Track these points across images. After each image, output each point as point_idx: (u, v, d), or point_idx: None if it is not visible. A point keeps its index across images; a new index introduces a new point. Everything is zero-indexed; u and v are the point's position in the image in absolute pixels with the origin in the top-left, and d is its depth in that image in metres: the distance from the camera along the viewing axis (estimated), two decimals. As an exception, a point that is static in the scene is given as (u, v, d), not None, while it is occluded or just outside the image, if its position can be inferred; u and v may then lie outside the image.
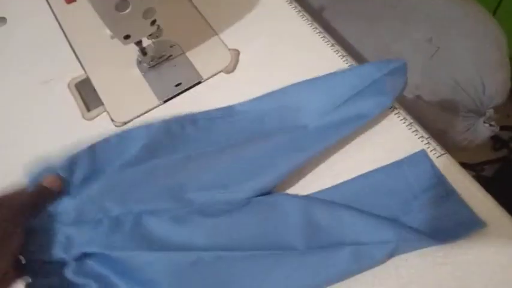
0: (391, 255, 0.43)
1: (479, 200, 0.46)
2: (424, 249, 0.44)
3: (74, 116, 0.56)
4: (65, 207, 0.45)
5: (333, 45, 0.59)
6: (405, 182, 0.47)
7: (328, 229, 0.44)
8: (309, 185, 0.49)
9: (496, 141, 1.25)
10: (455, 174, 0.48)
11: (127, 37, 0.50)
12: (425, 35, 0.80)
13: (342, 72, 0.52)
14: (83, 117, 0.56)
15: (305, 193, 0.48)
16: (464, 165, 1.24)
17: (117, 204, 0.45)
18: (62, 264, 0.43)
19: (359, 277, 0.43)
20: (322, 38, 0.59)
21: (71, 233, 0.44)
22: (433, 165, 0.48)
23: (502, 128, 0.89)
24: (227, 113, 0.53)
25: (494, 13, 1.11)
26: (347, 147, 0.51)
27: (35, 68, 0.62)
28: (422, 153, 0.49)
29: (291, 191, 0.49)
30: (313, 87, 0.52)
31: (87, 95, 0.58)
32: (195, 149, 0.50)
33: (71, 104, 0.57)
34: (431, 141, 0.51)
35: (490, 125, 0.80)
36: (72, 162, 0.48)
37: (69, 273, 0.43)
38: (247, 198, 0.46)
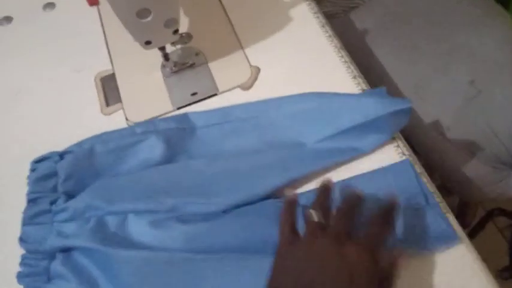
0: None
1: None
2: None
3: (93, 108, 0.59)
4: (63, 206, 0.49)
5: (355, 77, 0.57)
6: (387, 187, 0.47)
7: None
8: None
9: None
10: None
11: (148, 43, 0.52)
12: (468, 76, 0.76)
13: (348, 99, 0.52)
14: (101, 111, 0.59)
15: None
16: (501, 210, 1.16)
17: (104, 203, 0.48)
18: (51, 255, 0.47)
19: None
20: (346, 69, 0.58)
21: (63, 228, 0.48)
22: (416, 175, 0.48)
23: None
24: (225, 118, 0.54)
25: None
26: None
27: (70, 55, 0.65)
28: (407, 162, 0.49)
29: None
30: (317, 109, 0.52)
31: (109, 90, 0.61)
32: (189, 158, 0.52)
33: (93, 96, 0.60)
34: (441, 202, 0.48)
35: (525, 181, 0.75)
36: (73, 165, 0.51)
37: (56, 264, 0.46)
38: (225, 211, 0.48)
